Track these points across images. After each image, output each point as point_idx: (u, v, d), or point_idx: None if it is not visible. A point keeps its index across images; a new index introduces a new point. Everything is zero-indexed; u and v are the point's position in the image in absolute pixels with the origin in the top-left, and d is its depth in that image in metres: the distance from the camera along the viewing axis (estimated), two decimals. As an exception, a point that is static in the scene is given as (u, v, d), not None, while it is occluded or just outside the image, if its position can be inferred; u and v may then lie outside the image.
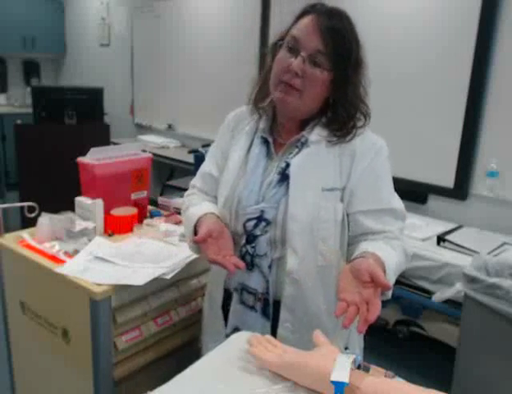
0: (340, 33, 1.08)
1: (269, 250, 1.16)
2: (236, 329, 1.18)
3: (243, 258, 1.17)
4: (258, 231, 1.16)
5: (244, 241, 1.18)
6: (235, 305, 1.22)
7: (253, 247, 1.16)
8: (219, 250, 1.12)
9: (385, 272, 1.00)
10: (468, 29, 2.71)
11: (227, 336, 1.14)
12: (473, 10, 2.68)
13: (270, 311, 1.18)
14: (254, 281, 1.17)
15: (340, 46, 1.08)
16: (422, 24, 2.92)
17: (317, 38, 1.08)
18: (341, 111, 1.13)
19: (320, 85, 1.11)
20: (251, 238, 1.16)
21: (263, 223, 1.15)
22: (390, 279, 1.05)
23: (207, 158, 1.35)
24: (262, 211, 1.15)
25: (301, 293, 1.15)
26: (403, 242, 1.16)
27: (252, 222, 1.16)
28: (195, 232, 1.19)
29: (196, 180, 1.36)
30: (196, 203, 1.28)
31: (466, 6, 2.72)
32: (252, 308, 1.19)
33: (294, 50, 1.10)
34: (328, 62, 1.09)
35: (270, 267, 1.16)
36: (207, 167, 1.33)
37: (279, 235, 1.15)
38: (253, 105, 1.24)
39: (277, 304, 1.18)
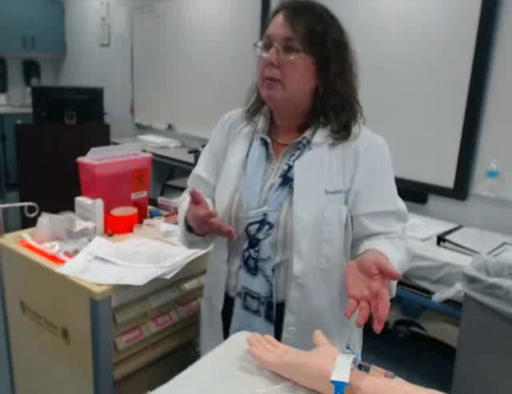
0: (308, 15, 1.09)
1: (272, 254, 1.15)
2: None
3: (246, 262, 1.17)
4: (261, 235, 1.15)
5: (246, 245, 1.17)
6: (238, 311, 1.21)
7: (256, 251, 1.16)
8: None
9: None
10: (468, 29, 2.70)
11: None
12: (473, 10, 2.68)
13: (273, 314, 1.17)
14: (258, 285, 1.17)
15: (310, 27, 1.08)
16: (422, 24, 2.91)
17: (285, 27, 1.09)
18: (332, 101, 1.12)
19: (301, 70, 1.10)
20: (254, 242, 1.16)
21: (266, 226, 1.14)
22: None
23: (199, 160, 1.35)
24: (265, 214, 1.14)
25: (305, 296, 1.15)
26: (406, 242, 1.16)
27: (255, 226, 1.15)
28: (187, 225, 1.20)
29: (188, 182, 1.37)
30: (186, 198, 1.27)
31: (466, 7, 2.72)
32: (256, 312, 1.18)
33: (268, 46, 1.11)
34: (301, 45, 1.08)
35: (273, 270, 1.16)
36: (198, 169, 1.33)
37: (281, 237, 1.14)
38: (247, 113, 1.25)
39: (280, 306, 1.17)
